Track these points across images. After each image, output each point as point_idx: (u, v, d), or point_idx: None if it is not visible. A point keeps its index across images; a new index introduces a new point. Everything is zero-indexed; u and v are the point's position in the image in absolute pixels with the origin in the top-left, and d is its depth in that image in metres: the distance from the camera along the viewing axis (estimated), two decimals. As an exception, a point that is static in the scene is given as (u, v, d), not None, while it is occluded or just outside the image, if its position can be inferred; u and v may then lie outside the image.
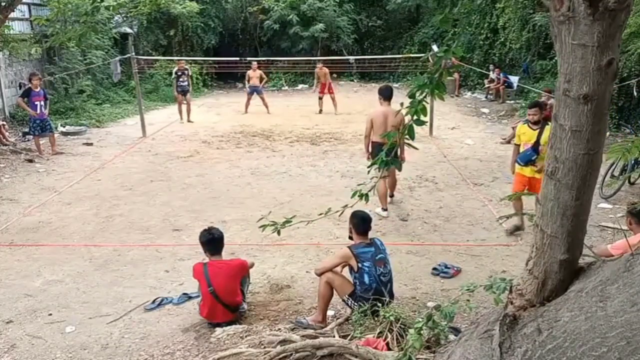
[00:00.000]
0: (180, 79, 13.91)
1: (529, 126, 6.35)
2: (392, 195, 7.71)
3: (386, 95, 7.12)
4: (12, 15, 12.34)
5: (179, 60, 15.25)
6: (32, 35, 13.75)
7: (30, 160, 10.09)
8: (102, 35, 16.18)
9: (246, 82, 15.90)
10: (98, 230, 6.80)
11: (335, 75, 16.56)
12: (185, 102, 14.11)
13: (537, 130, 6.21)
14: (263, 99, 15.48)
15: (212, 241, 4.57)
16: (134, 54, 13.06)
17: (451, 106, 16.14)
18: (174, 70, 14.43)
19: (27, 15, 14.06)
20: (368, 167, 2.52)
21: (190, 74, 14.62)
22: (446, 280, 5.29)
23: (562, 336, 1.96)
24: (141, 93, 13.65)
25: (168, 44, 20.40)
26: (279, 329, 4.24)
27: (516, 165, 6.49)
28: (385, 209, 7.15)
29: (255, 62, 15.87)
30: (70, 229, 6.82)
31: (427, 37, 21.47)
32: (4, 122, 11.70)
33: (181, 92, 14.02)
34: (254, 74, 15.46)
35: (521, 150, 6.40)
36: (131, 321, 4.61)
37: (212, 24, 21.46)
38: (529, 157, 6.25)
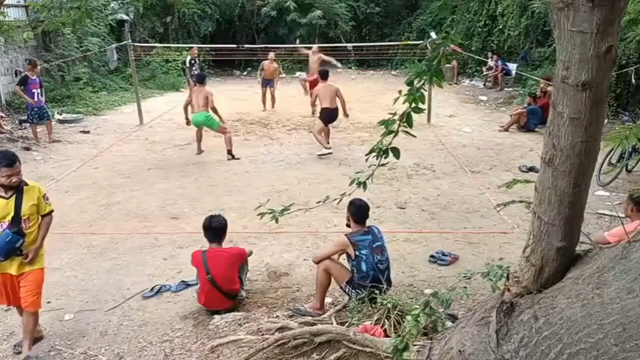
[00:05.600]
0: (194, 67, 13.58)
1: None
2: (328, 142, 9.53)
3: (325, 76, 9.80)
4: (7, 2, 12.24)
5: (190, 47, 14.80)
6: (27, 22, 13.62)
7: (27, 149, 10.04)
8: (98, 22, 16.04)
9: (259, 73, 13.85)
10: (96, 218, 6.80)
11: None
12: None
13: (12, 200, 3.79)
14: (272, 94, 13.84)
15: (209, 228, 4.59)
16: (130, 41, 12.95)
17: (449, 94, 16.10)
18: (187, 59, 14.02)
19: (22, 2, 13.92)
20: (366, 154, 2.51)
21: (199, 61, 14.27)
22: (443, 268, 5.31)
23: (558, 323, 1.97)
24: (138, 80, 13.55)
25: (164, 31, 20.24)
26: (277, 316, 4.26)
27: None
28: (329, 148, 9.52)
29: (272, 54, 13.93)
30: (68, 217, 6.81)
31: (426, 24, 21.34)
32: (2, 114, 11.60)
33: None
34: (270, 67, 13.61)
35: None
36: (130, 309, 4.63)
37: (209, 10, 21.27)
38: (8, 245, 3.75)
